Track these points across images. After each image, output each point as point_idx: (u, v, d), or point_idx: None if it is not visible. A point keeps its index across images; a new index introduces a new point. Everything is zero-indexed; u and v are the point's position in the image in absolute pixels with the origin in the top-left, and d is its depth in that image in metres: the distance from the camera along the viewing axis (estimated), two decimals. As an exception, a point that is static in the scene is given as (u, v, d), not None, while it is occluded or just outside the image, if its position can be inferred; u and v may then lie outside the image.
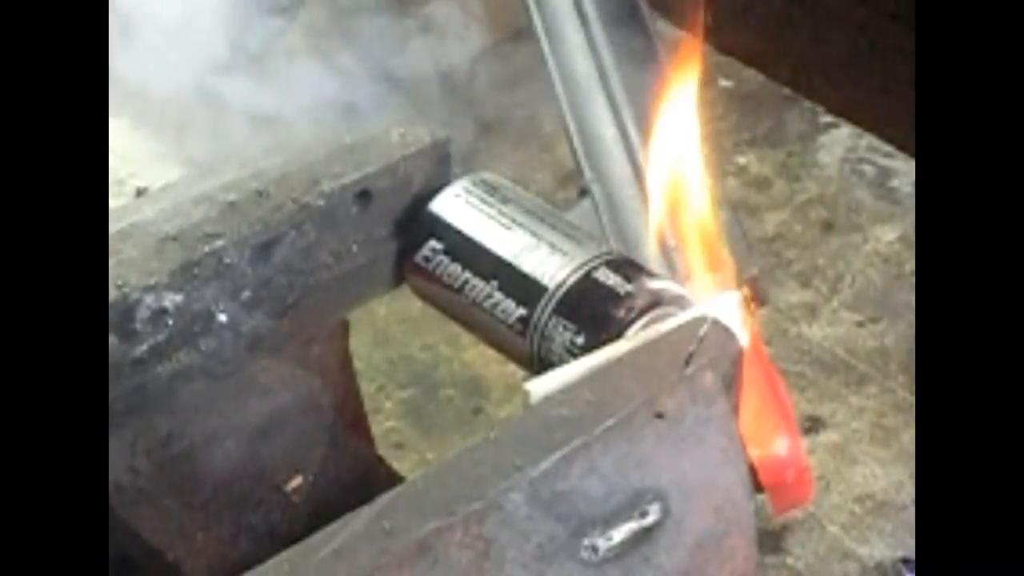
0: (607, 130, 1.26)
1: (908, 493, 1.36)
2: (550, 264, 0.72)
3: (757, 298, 0.78)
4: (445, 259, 0.74)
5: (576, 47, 1.29)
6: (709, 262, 0.78)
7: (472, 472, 0.62)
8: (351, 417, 0.81)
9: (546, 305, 0.71)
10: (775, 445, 0.73)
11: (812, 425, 1.44)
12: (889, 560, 1.31)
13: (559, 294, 0.71)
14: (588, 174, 1.26)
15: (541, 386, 0.66)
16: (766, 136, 1.81)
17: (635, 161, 1.21)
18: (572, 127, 1.27)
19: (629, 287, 0.70)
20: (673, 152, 0.79)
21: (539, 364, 0.71)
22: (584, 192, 1.26)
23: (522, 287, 0.72)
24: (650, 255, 0.80)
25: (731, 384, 0.67)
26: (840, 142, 1.79)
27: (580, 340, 0.70)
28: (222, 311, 0.72)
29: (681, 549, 0.65)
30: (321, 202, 0.74)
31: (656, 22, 1.28)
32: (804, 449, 0.76)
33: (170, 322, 0.70)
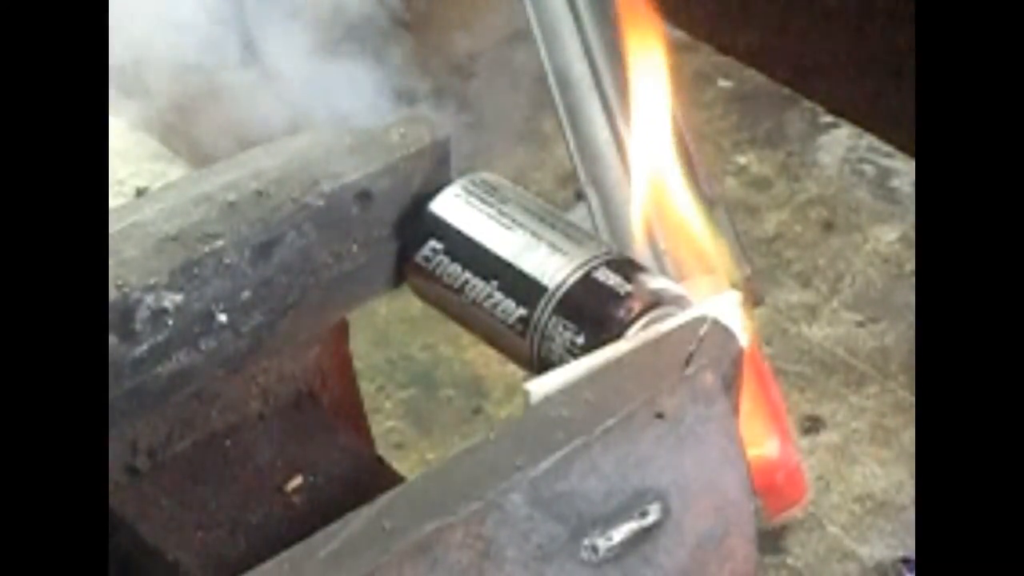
0: (601, 133, 1.26)
1: (908, 493, 1.36)
2: (550, 264, 0.72)
3: (752, 298, 0.78)
4: (445, 259, 0.74)
5: (572, 50, 1.29)
6: (700, 264, 0.78)
7: (472, 472, 0.62)
8: (351, 417, 0.81)
9: (546, 305, 0.71)
10: (765, 447, 0.73)
11: (812, 425, 1.44)
12: (889, 560, 1.31)
13: (559, 294, 0.71)
14: (583, 177, 1.27)
15: (541, 386, 0.66)
16: (766, 136, 1.81)
17: (629, 164, 1.21)
18: (568, 130, 1.27)
19: (629, 287, 0.70)
20: (662, 153, 0.79)
21: (539, 364, 0.71)
22: (580, 195, 1.26)
23: (522, 287, 0.72)
24: (643, 258, 0.80)
25: (731, 384, 0.67)
26: (840, 142, 1.79)
27: (580, 340, 0.70)
28: (222, 311, 0.72)
29: (681, 549, 0.65)
30: (321, 202, 0.74)
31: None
32: (798, 451, 0.76)
33: (170, 322, 0.70)
